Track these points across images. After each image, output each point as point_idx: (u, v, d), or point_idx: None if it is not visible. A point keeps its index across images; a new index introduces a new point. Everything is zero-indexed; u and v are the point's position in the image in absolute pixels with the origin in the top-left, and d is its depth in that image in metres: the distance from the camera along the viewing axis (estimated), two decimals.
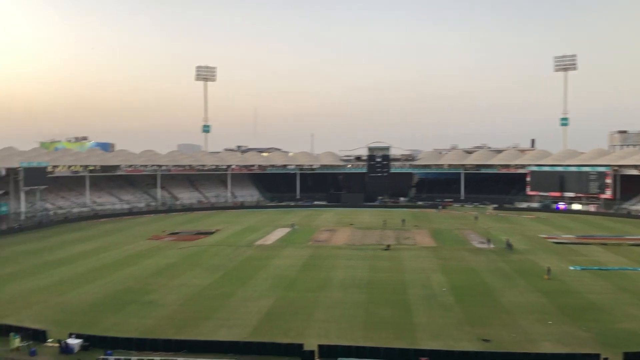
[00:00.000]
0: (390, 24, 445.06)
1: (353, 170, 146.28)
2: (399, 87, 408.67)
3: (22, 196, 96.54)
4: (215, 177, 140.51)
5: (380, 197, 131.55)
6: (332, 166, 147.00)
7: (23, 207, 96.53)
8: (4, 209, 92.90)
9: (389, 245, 67.72)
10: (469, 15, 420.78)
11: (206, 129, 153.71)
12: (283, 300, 42.33)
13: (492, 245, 67.96)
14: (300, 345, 30.87)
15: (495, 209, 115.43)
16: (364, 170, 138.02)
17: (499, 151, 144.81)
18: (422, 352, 29.59)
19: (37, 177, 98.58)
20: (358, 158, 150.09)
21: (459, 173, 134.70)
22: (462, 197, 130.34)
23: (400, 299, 42.65)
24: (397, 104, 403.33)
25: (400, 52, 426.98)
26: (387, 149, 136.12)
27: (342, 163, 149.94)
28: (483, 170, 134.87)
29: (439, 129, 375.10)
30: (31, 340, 32.43)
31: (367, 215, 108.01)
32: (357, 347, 30.38)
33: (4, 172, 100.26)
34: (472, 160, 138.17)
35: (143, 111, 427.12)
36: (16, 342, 31.89)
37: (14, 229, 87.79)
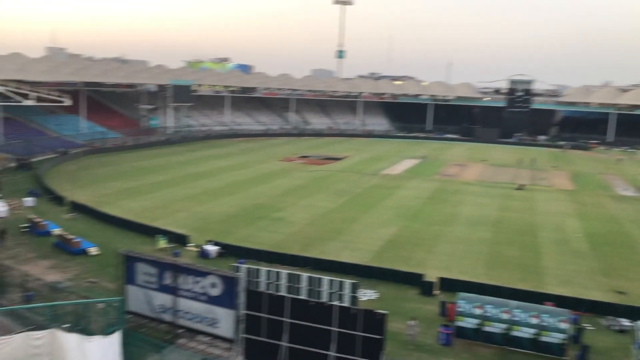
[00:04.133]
0: None
1: (490, 104, 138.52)
2: (550, 19, 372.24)
3: (170, 112, 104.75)
4: (346, 104, 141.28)
5: (517, 134, 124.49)
6: (467, 98, 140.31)
7: (170, 122, 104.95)
8: (154, 122, 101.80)
9: (522, 185, 64.49)
10: None
11: (340, 54, 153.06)
12: (406, 230, 42.51)
13: (639, 193, 62.03)
14: (420, 276, 30.96)
15: None
16: (503, 104, 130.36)
17: None
18: (548, 297, 27.96)
19: (183, 95, 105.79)
20: (497, 91, 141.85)
21: (608, 113, 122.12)
22: (611, 140, 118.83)
23: (529, 241, 40.85)
24: (546, 36, 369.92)
25: None
26: (529, 82, 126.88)
27: (479, 95, 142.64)
28: (639, 112, 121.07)
29: (591, 63, 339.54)
30: (175, 243, 35.98)
31: (501, 152, 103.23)
32: (479, 284, 29.54)
33: (155, 88, 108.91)
34: (626, 99, 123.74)
35: (281, 35, 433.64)
36: (162, 243, 35.63)
37: (162, 141, 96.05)
